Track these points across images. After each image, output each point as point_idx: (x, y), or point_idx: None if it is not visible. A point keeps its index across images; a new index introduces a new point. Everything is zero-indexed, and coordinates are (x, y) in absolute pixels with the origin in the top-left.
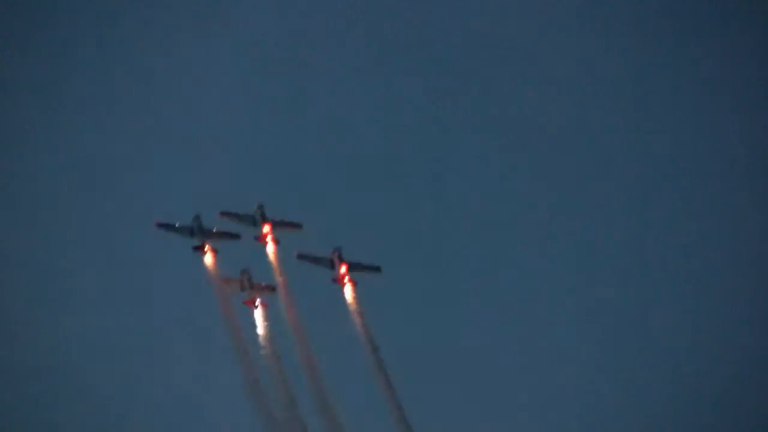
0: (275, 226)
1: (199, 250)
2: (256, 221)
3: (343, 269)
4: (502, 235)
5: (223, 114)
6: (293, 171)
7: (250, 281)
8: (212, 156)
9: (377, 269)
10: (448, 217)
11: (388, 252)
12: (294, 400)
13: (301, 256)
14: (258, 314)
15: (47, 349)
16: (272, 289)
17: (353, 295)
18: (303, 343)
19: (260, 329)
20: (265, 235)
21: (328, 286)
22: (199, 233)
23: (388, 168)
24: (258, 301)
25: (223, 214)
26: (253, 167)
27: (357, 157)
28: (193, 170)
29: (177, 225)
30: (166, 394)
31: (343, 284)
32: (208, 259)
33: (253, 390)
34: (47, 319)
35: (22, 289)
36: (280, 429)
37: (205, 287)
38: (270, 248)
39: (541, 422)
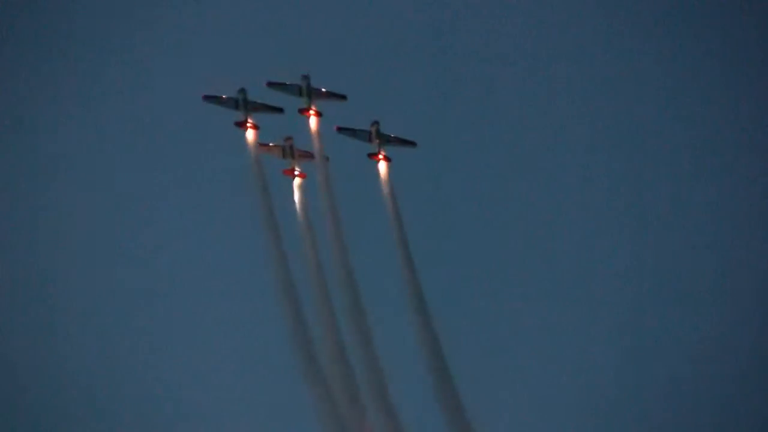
0: (320, 96)
1: (242, 125)
2: (302, 91)
3: (378, 144)
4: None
5: None
6: (341, 43)
7: (292, 148)
8: (261, 28)
9: (413, 144)
10: (493, 100)
11: (429, 130)
12: (321, 276)
13: (341, 129)
14: (296, 184)
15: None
16: (312, 156)
17: (386, 171)
18: (334, 218)
19: (297, 201)
20: (308, 108)
21: (365, 161)
22: (243, 106)
23: (440, 45)
24: (297, 171)
25: (270, 84)
26: (300, 39)
27: (408, 30)
28: (242, 43)
29: (223, 97)
30: (190, 260)
31: (378, 160)
32: (250, 134)
33: (281, 261)
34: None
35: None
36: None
37: (245, 161)
38: (312, 121)
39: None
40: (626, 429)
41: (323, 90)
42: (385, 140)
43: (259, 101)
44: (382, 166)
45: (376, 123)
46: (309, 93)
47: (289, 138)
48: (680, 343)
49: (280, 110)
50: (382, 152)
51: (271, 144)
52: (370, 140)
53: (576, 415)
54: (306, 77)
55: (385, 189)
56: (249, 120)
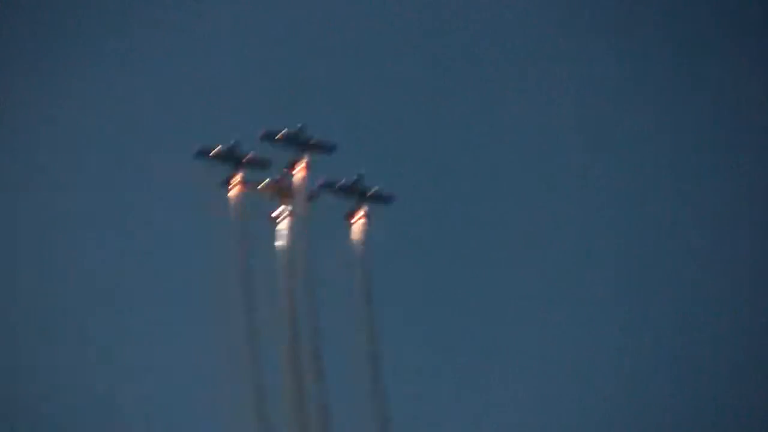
0: (311, 147)
1: (228, 183)
2: (294, 143)
3: (357, 203)
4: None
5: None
6: (336, 94)
7: (283, 187)
8: (258, 81)
9: (391, 199)
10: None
11: (416, 183)
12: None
13: (324, 185)
14: (283, 225)
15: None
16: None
17: (361, 232)
18: (307, 277)
19: (281, 241)
20: (297, 162)
21: (343, 220)
22: (232, 160)
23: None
24: (287, 212)
25: (264, 135)
26: (294, 94)
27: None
28: (238, 96)
29: (213, 154)
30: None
31: (353, 222)
32: (234, 192)
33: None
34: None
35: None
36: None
37: (227, 221)
38: (299, 176)
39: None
40: (626, 429)
41: (313, 142)
42: (365, 196)
43: (249, 154)
44: (357, 228)
45: (360, 178)
46: (301, 144)
47: (282, 177)
48: (680, 343)
49: (267, 165)
50: (361, 211)
51: (263, 183)
52: (350, 195)
53: (576, 415)
54: (301, 128)
55: (359, 250)
56: (237, 175)
